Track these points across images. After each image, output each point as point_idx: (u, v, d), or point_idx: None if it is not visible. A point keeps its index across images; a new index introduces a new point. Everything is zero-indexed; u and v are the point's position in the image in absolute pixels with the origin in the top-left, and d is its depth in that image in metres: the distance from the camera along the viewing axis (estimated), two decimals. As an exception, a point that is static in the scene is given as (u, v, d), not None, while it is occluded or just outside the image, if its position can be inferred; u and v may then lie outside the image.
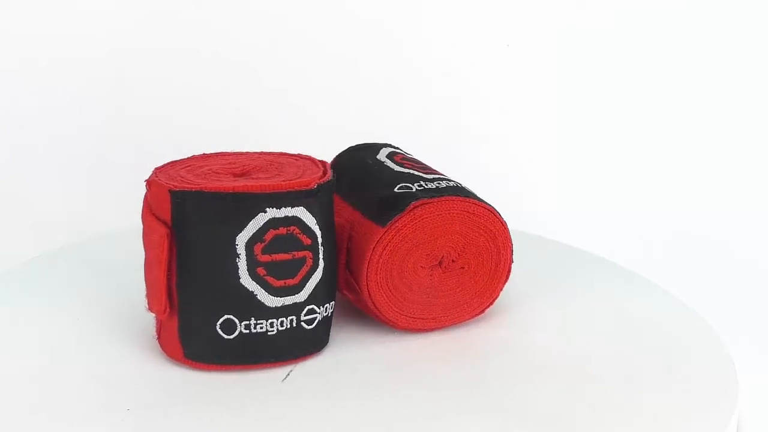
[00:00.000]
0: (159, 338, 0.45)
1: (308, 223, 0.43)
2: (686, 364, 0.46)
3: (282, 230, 0.42)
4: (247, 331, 0.43)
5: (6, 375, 0.43)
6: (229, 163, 0.45)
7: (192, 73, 0.83)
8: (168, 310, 0.43)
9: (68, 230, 0.75)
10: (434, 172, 0.50)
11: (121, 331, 0.47)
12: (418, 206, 0.46)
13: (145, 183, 0.44)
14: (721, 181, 0.87)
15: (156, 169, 0.44)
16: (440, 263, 0.47)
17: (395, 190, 0.47)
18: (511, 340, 0.48)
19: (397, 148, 0.53)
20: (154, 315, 0.44)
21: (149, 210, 0.43)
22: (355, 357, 0.46)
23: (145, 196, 0.44)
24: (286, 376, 0.43)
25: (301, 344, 0.44)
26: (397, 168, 0.49)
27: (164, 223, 0.42)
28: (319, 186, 0.43)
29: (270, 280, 0.42)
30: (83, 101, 0.81)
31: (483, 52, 0.85)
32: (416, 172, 0.49)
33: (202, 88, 0.83)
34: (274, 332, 0.43)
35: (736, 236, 0.86)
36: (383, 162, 0.50)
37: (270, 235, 0.42)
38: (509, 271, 0.49)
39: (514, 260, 0.49)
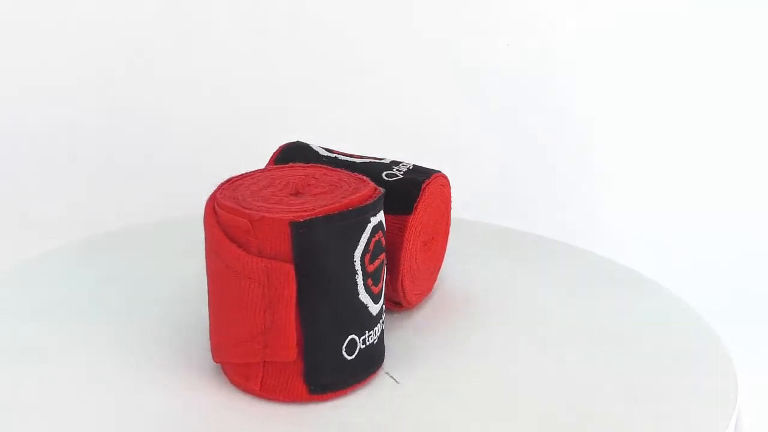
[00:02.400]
0: (261, 389, 0.41)
1: (384, 225, 0.43)
2: (686, 364, 0.46)
3: (377, 236, 0.42)
4: (364, 346, 0.42)
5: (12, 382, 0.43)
6: (270, 185, 0.43)
7: (192, 73, 0.83)
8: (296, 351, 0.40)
9: (68, 230, 0.75)
10: (371, 156, 0.52)
11: (129, 334, 0.48)
12: (426, 187, 0.48)
13: (213, 227, 0.40)
14: (721, 181, 0.87)
15: (217, 209, 0.41)
16: (432, 237, 0.50)
17: (385, 177, 0.48)
18: (510, 339, 0.48)
19: (315, 145, 0.53)
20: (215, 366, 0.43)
21: (240, 250, 0.40)
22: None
23: (217, 237, 0.40)
24: (393, 378, 0.43)
25: (383, 344, 0.44)
26: (353, 160, 0.50)
27: (279, 258, 0.39)
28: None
29: (373, 288, 0.42)
30: (82, 101, 0.81)
31: (483, 51, 0.85)
32: (372, 160, 0.51)
33: (203, 87, 0.83)
34: (376, 339, 0.43)
35: (736, 235, 0.86)
36: (336, 157, 0.51)
37: (372, 244, 0.41)
38: (449, 225, 0.53)
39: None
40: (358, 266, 0.41)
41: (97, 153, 0.82)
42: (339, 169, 0.45)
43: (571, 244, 0.61)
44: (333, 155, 0.51)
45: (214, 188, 0.43)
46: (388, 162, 0.50)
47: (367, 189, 0.42)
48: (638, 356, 0.47)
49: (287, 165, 0.46)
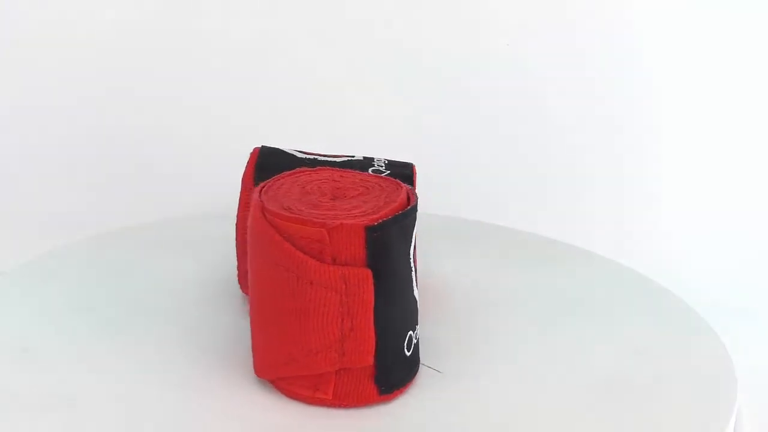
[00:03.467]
0: (334, 397, 0.41)
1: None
2: (685, 364, 0.46)
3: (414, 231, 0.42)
4: (416, 341, 0.42)
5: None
6: (306, 192, 0.43)
7: (192, 73, 0.82)
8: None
9: (69, 230, 0.75)
10: (342, 155, 0.52)
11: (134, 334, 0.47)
12: (414, 178, 0.49)
13: (277, 235, 0.40)
14: (722, 180, 0.87)
15: (277, 221, 0.40)
16: None
17: (372, 173, 0.48)
18: (508, 337, 0.48)
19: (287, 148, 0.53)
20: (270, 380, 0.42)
21: (315, 260, 0.39)
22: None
23: (283, 249, 0.40)
24: (434, 369, 0.44)
25: None
26: (332, 159, 0.50)
27: (354, 264, 0.39)
28: None
29: (416, 281, 0.42)
30: (84, 101, 0.81)
31: (482, 51, 0.85)
32: (348, 158, 0.50)
33: (203, 88, 0.83)
34: (418, 332, 0.43)
35: (736, 235, 0.86)
36: (315, 158, 0.51)
37: (414, 238, 0.42)
38: None
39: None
40: (411, 263, 0.41)
41: (98, 153, 0.82)
42: (349, 170, 0.45)
43: (570, 244, 0.61)
44: (311, 156, 0.51)
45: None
46: (362, 158, 0.50)
47: (402, 186, 0.43)
48: (637, 356, 0.47)
49: (298, 171, 0.45)
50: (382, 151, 0.55)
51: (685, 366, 0.46)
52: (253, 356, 0.43)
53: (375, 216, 0.40)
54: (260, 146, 0.51)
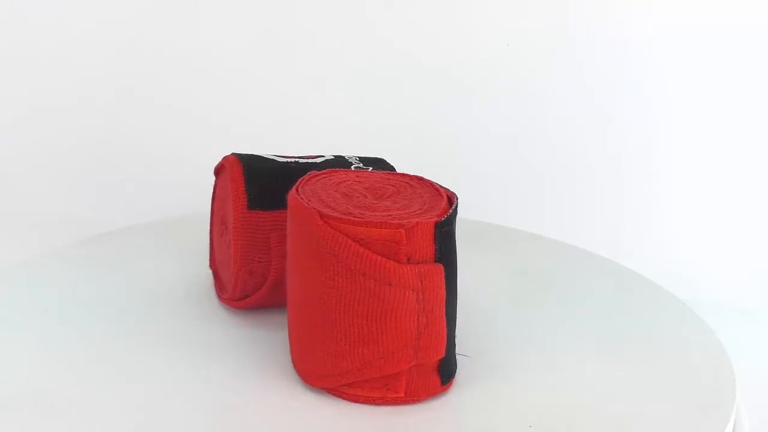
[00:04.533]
0: (406, 394, 0.41)
1: None
2: (685, 364, 0.46)
3: None
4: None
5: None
6: (351, 193, 0.43)
7: (193, 73, 0.83)
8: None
9: (68, 230, 0.75)
10: (316, 155, 0.51)
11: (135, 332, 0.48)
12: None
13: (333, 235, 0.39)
14: (722, 180, 0.87)
15: (346, 226, 0.39)
16: None
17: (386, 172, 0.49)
18: (507, 337, 0.48)
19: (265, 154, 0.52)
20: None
21: (393, 262, 0.39)
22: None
23: (358, 254, 0.39)
24: (465, 355, 0.45)
25: None
26: (312, 161, 0.50)
27: (426, 261, 0.40)
28: None
29: None
30: (84, 100, 0.81)
31: (482, 51, 0.85)
32: (327, 157, 0.50)
33: (204, 88, 0.83)
34: None
35: (736, 234, 0.86)
36: (297, 161, 0.50)
37: None
38: None
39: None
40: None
41: (98, 152, 0.82)
42: (371, 171, 0.46)
43: (570, 244, 0.61)
44: (292, 160, 0.50)
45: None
46: (333, 157, 0.50)
47: (424, 180, 0.44)
48: (636, 356, 0.47)
49: (328, 171, 0.45)
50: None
51: (684, 366, 0.46)
52: (303, 366, 0.42)
53: (435, 212, 0.40)
54: (232, 153, 0.50)
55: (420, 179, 0.45)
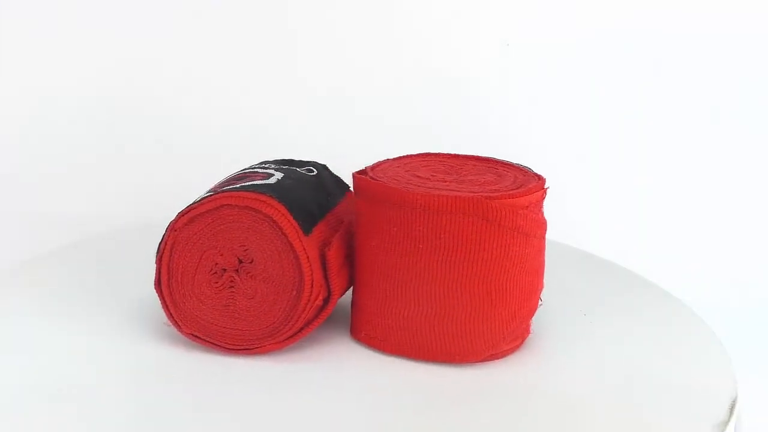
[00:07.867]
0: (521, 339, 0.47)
1: None
2: (686, 364, 0.46)
3: None
4: None
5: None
6: (433, 174, 0.47)
7: (193, 73, 0.83)
8: None
9: (68, 230, 0.75)
10: (254, 167, 0.51)
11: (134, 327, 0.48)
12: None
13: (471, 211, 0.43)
14: (722, 181, 0.87)
15: (480, 204, 0.43)
16: None
17: (306, 172, 0.50)
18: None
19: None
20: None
21: (543, 219, 0.46)
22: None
23: (526, 216, 0.44)
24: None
25: None
26: (252, 173, 0.48)
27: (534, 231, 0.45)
28: None
29: None
30: (84, 100, 0.81)
31: (483, 51, 0.85)
32: (269, 167, 0.50)
33: (204, 88, 0.83)
34: None
35: (736, 236, 0.86)
36: (229, 180, 0.48)
37: None
38: None
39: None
40: None
41: (97, 152, 0.82)
42: (448, 153, 0.50)
43: (572, 247, 0.61)
44: (228, 181, 0.47)
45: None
46: (284, 167, 0.49)
47: (489, 159, 0.50)
48: (638, 357, 0.47)
49: (391, 160, 0.49)
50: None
51: (684, 366, 0.46)
52: (458, 347, 0.44)
53: (532, 183, 0.46)
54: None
55: (485, 159, 0.50)
